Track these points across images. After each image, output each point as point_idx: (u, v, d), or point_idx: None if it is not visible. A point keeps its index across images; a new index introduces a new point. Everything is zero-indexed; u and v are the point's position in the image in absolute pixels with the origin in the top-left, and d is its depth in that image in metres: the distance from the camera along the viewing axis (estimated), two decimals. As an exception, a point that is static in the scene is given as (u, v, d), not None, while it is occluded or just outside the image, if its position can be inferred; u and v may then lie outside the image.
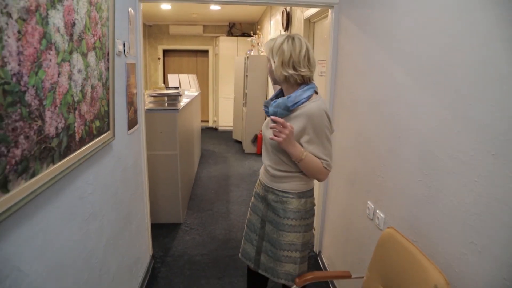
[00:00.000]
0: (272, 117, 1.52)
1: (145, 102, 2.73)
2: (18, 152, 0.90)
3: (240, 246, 1.89)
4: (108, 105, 1.60)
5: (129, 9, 2.10)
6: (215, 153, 6.18)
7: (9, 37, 0.83)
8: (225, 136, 7.59)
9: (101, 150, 1.58)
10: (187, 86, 5.82)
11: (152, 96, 3.20)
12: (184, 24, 8.05)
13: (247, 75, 5.98)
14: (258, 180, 1.83)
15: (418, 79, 1.41)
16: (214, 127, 8.62)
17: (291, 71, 1.54)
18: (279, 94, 1.72)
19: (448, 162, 1.21)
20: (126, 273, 2.06)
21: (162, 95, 3.22)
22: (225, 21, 8.02)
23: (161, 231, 3.18)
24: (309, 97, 1.56)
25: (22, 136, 0.91)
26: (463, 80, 1.14)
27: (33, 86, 0.95)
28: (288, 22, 4.00)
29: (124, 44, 1.94)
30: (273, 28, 5.36)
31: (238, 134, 6.92)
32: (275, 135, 1.50)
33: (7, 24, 0.82)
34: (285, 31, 4.13)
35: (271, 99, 1.70)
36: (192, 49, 8.42)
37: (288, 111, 1.56)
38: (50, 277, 1.12)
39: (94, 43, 1.39)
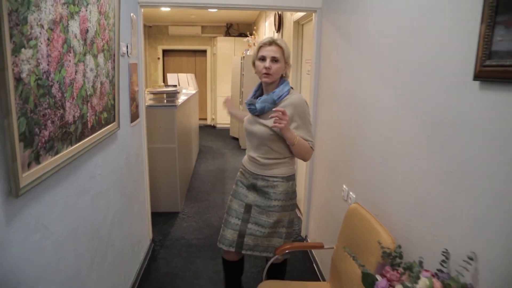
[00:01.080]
0: (276, 108, 1.64)
1: (145, 99, 2.98)
2: (46, 133, 1.14)
3: (220, 242, 1.94)
4: (114, 100, 1.85)
5: (131, 14, 2.34)
6: (213, 149, 6.43)
7: (41, 43, 1.08)
8: (222, 133, 7.84)
9: (108, 138, 1.82)
10: (185, 85, 6.07)
11: (152, 93, 3.44)
12: (183, 25, 8.29)
13: (243, 74, 6.22)
14: (241, 170, 1.99)
15: (378, 76, 1.66)
16: (212, 124, 8.87)
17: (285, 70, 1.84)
18: (258, 92, 1.91)
19: (399, 146, 1.46)
20: (129, 251, 2.31)
21: (161, 93, 3.46)
22: (222, 22, 8.26)
23: (160, 219, 3.43)
24: (288, 91, 1.82)
25: (49, 121, 1.16)
26: (408, 76, 1.39)
27: (57, 81, 1.20)
28: (280, 24, 4.25)
29: (127, 46, 2.18)
30: (267, 29, 5.60)
31: (235, 131, 7.17)
32: (276, 123, 1.64)
33: (40, 33, 1.07)
34: (277, 32, 4.37)
35: (253, 98, 1.88)
36: (190, 49, 8.66)
37: (274, 104, 1.78)
38: (69, 239, 1.37)
39: (103, 46, 1.64)
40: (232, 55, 7.83)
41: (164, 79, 8.47)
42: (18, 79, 0.97)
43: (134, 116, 2.41)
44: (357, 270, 1.28)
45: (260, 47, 1.80)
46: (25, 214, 1.07)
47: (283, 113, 1.63)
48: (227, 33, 8.34)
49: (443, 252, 1.12)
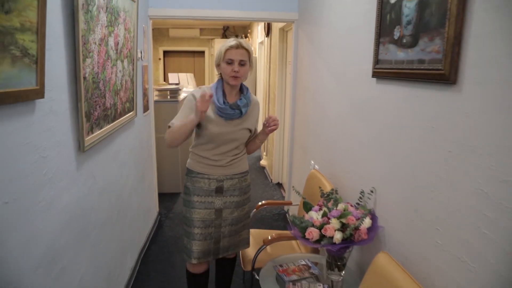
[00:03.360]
0: (271, 116, 1.80)
1: (153, 95, 3.55)
2: (96, 113, 1.72)
3: (192, 257, 1.83)
4: (133, 93, 2.42)
5: (143, 25, 2.92)
6: (211, 142, 7.01)
7: (95, 55, 1.65)
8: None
9: (129, 122, 2.39)
10: (185, 83, 6.64)
11: (157, 90, 4.02)
12: (183, 28, 8.86)
13: (238, 74, 6.78)
14: (198, 182, 1.85)
15: (332, 76, 2.24)
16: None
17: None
18: (221, 93, 1.80)
19: (341, 126, 2.04)
20: (141, 217, 2.88)
21: (166, 90, 4.04)
22: (219, 25, 8.82)
23: (165, 197, 4.00)
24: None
25: (98, 106, 1.73)
26: (345, 74, 1.97)
27: (102, 79, 1.77)
28: (268, 30, 4.82)
29: (141, 52, 2.76)
30: (260, 32, 6.17)
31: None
32: (273, 126, 1.77)
33: (94, 48, 1.64)
34: (266, 36, 4.95)
35: (225, 103, 1.77)
36: (189, 50, 9.23)
37: (249, 105, 1.85)
38: (105, 191, 1.94)
39: (127, 53, 2.21)
40: (229, 56, 8.39)
41: (165, 78, 9.03)
42: (84, 78, 1.54)
43: (146, 108, 2.99)
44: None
45: (227, 50, 1.73)
46: (85, 165, 1.65)
47: (275, 118, 1.79)
48: (224, 35, 8.90)
49: (361, 192, 1.69)
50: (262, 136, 1.90)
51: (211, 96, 1.63)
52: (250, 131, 1.90)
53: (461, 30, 1.01)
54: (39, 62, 1.15)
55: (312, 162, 2.64)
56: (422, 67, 1.18)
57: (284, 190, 3.96)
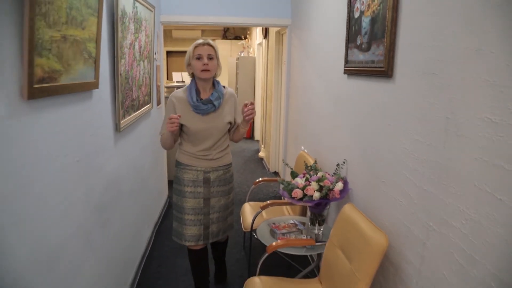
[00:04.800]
0: (248, 101, 1.88)
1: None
2: (126, 103, 2.16)
3: (183, 239, 2.04)
4: (150, 89, 2.87)
5: (157, 30, 3.36)
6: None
7: (126, 56, 2.10)
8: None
9: (147, 113, 2.84)
10: (188, 82, 7.09)
11: (166, 87, 4.47)
12: (185, 29, 9.30)
13: (238, 73, 7.24)
14: (187, 173, 2.04)
15: (316, 74, 2.69)
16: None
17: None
18: (194, 91, 1.97)
19: (323, 114, 2.49)
20: (156, 196, 3.33)
21: (173, 87, 4.49)
22: (220, 26, 9.27)
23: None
24: (223, 86, 2.08)
25: (128, 97, 2.18)
26: (325, 72, 2.42)
27: (130, 76, 2.22)
28: (266, 32, 5.27)
29: (155, 53, 3.21)
30: (258, 34, 6.62)
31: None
32: (250, 114, 1.87)
33: (126, 51, 2.09)
34: (264, 38, 5.40)
35: (199, 100, 1.94)
36: (192, 51, 9.66)
37: (223, 98, 2.00)
38: (131, 167, 2.39)
39: (146, 55, 2.66)
40: (229, 56, 8.84)
41: (168, 77, 9.48)
42: (120, 74, 1.99)
43: (158, 102, 3.44)
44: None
45: (195, 48, 1.92)
46: (119, 143, 2.09)
47: (252, 103, 1.88)
48: (224, 36, 9.35)
49: (337, 164, 2.14)
50: (243, 124, 2.00)
51: (178, 116, 1.80)
52: (230, 123, 2.02)
53: (394, 40, 1.46)
54: (96, 62, 1.60)
55: (302, 148, 3.09)
56: (373, 66, 1.63)
57: (280, 177, 4.42)
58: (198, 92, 1.99)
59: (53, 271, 1.26)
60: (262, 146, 5.90)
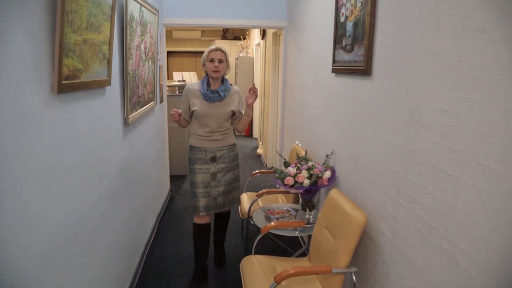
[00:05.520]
0: (252, 86, 2.30)
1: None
2: (133, 99, 2.36)
3: (197, 211, 2.39)
4: (154, 87, 3.07)
5: (160, 32, 3.56)
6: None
7: (134, 57, 2.30)
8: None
9: (151, 110, 3.04)
10: (189, 81, 7.29)
11: (168, 86, 4.66)
12: (185, 30, 9.50)
13: (237, 72, 7.43)
14: (195, 152, 2.41)
15: (308, 73, 2.89)
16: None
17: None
18: (206, 84, 2.37)
19: (314, 110, 2.69)
20: (159, 188, 3.53)
21: (174, 86, 4.69)
22: (220, 27, 9.46)
23: (175, 178, 4.65)
24: (230, 84, 2.52)
25: (135, 94, 2.38)
26: (317, 71, 2.62)
27: (137, 75, 2.42)
28: (264, 33, 5.47)
29: (158, 54, 3.40)
30: (256, 35, 6.82)
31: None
32: (252, 98, 2.30)
33: (133, 52, 2.29)
34: (262, 39, 5.60)
35: (208, 90, 2.34)
36: (191, 51, 9.88)
37: (229, 91, 2.42)
38: (138, 158, 2.59)
39: (151, 55, 2.86)
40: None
41: (168, 77, 9.67)
42: (128, 73, 2.19)
43: (161, 100, 3.64)
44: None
45: (209, 52, 2.35)
46: (127, 136, 2.29)
47: (255, 88, 2.32)
48: (224, 37, 9.55)
49: (326, 155, 2.34)
50: (247, 111, 2.40)
51: (180, 114, 2.28)
52: (233, 112, 2.40)
53: (372, 42, 1.66)
54: (109, 62, 1.80)
55: (297, 142, 3.29)
56: (355, 65, 1.83)
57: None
58: (209, 85, 2.41)
59: (75, 241, 1.46)
60: (260, 143, 6.10)
